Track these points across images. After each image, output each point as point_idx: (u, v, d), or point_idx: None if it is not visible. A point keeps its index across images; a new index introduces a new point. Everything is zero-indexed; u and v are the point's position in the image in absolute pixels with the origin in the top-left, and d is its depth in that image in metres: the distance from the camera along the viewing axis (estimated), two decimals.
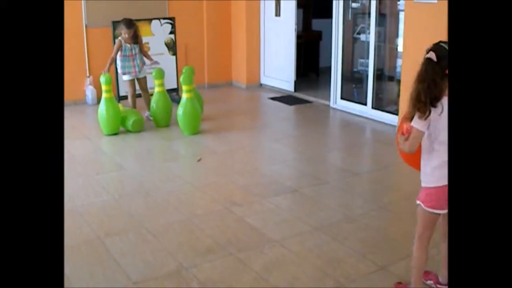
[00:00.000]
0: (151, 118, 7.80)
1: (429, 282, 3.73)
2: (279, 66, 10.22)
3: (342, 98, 8.88)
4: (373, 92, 8.29)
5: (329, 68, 9.07)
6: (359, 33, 8.87)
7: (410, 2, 7.13)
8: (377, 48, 8.27)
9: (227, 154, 6.68)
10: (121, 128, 7.40)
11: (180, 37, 9.40)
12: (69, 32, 8.41)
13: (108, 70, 7.44)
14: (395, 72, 8.37)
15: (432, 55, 3.15)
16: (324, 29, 10.87)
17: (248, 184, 5.61)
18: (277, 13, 10.10)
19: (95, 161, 6.38)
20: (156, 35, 8.93)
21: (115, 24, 8.32)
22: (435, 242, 3.67)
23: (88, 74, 9.00)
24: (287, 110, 8.99)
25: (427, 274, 3.73)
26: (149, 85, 8.17)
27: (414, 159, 3.51)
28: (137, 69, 7.73)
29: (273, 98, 9.65)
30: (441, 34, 6.63)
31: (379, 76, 8.44)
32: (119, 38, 7.67)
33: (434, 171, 3.27)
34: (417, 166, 3.55)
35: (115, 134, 7.28)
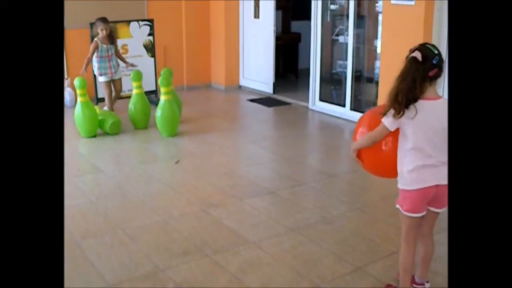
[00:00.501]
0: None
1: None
2: (258, 68, 10.23)
3: (320, 99, 8.90)
4: (351, 93, 8.32)
5: (308, 70, 9.09)
6: (337, 35, 8.89)
7: (388, 4, 7.17)
8: (356, 50, 8.31)
9: (204, 156, 6.68)
10: (99, 131, 7.36)
11: (159, 39, 9.37)
12: None
13: (85, 70, 7.42)
14: (373, 74, 8.40)
15: (418, 55, 3.16)
16: (303, 31, 10.88)
17: (225, 186, 5.60)
18: (256, 15, 10.10)
19: (72, 164, 6.34)
20: (134, 37, 8.88)
21: (92, 25, 8.28)
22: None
23: (66, 76, 8.94)
24: (266, 112, 8.99)
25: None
26: (127, 87, 8.14)
27: (371, 163, 3.55)
28: (113, 70, 7.71)
29: (252, 100, 9.66)
30: (419, 35, 6.69)
31: (358, 77, 8.47)
32: (96, 38, 7.64)
33: (409, 174, 3.27)
34: (374, 171, 3.59)
35: (93, 136, 7.24)
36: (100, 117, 7.34)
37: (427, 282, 3.66)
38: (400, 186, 3.36)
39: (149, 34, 9.03)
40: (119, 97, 7.99)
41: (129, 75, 7.72)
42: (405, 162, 3.29)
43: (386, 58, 7.25)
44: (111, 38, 7.72)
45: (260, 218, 4.87)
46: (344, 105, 8.43)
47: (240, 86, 10.62)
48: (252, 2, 10.09)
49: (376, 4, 8.07)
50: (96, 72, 7.79)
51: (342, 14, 8.72)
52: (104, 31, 7.56)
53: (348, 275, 3.95)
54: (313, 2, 8.79)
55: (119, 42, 8.53)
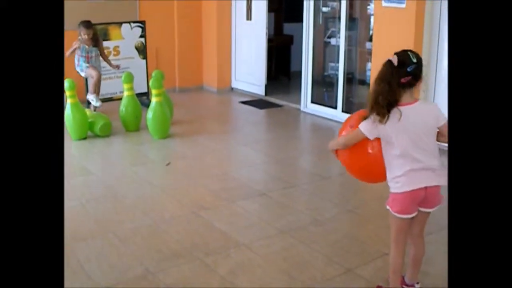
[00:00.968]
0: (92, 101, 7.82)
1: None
2: (250, 70, 10.22)
3: (312, 102, 8.91)
4: (343, 95, 8.33)
5: (301, 72, 9.09)
6: (329, 37, 8.90)
7: (379, 6, 7.19)
8: (348, 52, 8.32)
9: (196, 158, 6.66)
10: (89, 133, 7.33)
11: (151, 41, 9.34)
12: None
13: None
14: (365, 76, 8.41)
15: (394, 59, 3.18)
16: (295, 33, 10.90)
17: (216, 188, 5.59)
18: (249, 17, 10.11)
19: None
20: (126, 39, 8.86)
21: None
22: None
23: None
24: (258, 114, 8.99)
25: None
26: (118, 89, 8.11)
27: (357, 169, 3.57)
28: (87, 71, 7.74)
29: (244, 102, 9.65)
30: (410, 37, 6.72)
31: (350, 79, 8.48)
32: (79, 37, 7.62)
33: (399, 178, 3.28)
34: (355, 173, 3.61)
35: (84, 138, 7.21)
36: (90, 119, 7.31)
37: (417, 283, 3.66)
38: (390, 189, 3.37)
39: (141, 36, 9.01)
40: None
41: (121, 77, 7.71)
42: (393, 168, 3.29)
43: (378, 60, 7.18)
44: (95, 40, 7.72)
45: (251, 220, 4.86)
46: (336, 107, 8.43)
47: (232, 88, 10.61)
48: (245, 4, 10.09)
49: (368, 7, 8.08)
50: (76, 67, 7.79)
51: (334, 17, 8.73)
52: (86, 36, 7.56)
53: (339, 277, 3.94)
54: (305, 4, 8.80)
55: (111, 44, 8.53)
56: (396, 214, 3.33)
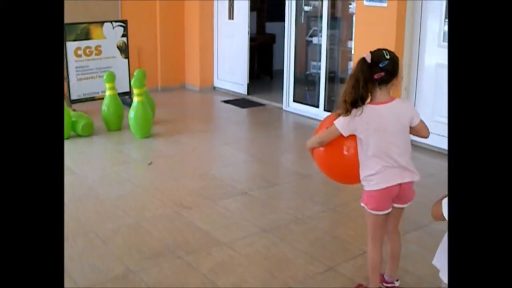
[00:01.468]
0: None
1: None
2: (232, 69, 10.22)
3: (294, 100, 8.93)
4: (325, 94, 8.36)
5: (283, 71, 9.11)
6: (311, 36, 8.93)
7: (361, 5, 7.22)
8: (330, 51, 8.35)
9: (178, 157, 6.66)
10: (72, 133, 7.30)
11: (133, 40, 9.30)
12: None
13: None
14: (347, 75, 8.40)
15: (368, 56, 3.21)
16: (277, 32, 10.92)
17: (198, 187, 5.59)
18: (231, 16, 10.11)
19: None
20: (108, 38, 8.81)
21: (65, 26, 8.21)
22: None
23: None
24: (240, 113, 8.99)
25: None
26: (100, 88, 8.09)
27: (327, 166, 3.60)
28: None
29: (226, 101, 9.65)
30: (391, 36, 6.76)
31: (332, 78, 8.51)
32: None
33: (373, 177, 3.31)
34: (330, 174, 3.64)
35: (66, 138, 7.18)
36: (72, 119, 7.29)
37: (397, 280, 3.69)
38: (364, 187, 3.39)
39: (123, 35, 8.96)
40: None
41: (103, 76, 7.68)
42: (367, 167, 3.31)
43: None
44: None
45: (232, 219, 4.87)
46: (318, 106, 8.46)
47: (214, 87, 10.61)
48: (227, 3, 10.09)
49: (350, 6, 8.12)
50: None
51: (316, 16, 8.75)
52: None
53: (320, 274, 3.97)
54: (287, 3, 8.81)
55: (93, 43, 8.48)
56: (371, 211, 3.36)
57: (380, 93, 3.25)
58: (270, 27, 11.71)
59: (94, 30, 8.53)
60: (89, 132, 7.31)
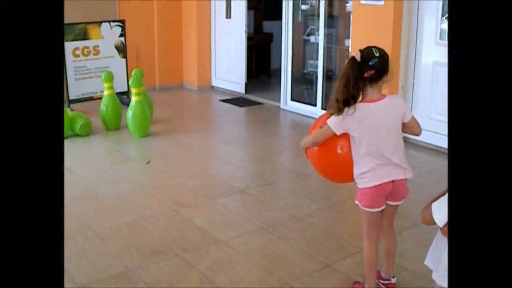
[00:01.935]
0: None
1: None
2: (230, 68, 10.25)
3: (292, 99, 8.96)
4: (322, 93, 8.38)
5: (280, 69, 9.13)
6: (309, 35, 8.95)
7: (358, 4, 7.24)
8: (327, 50, 8.37)
9: (176, 156, 6.69)
10: (70, 132, 7.32)
11: (131, 40, 9.33)
12: None
13: None
14: None
15: (357, 55, 3.23)
16: (275, 31, 10.95)
17: (196, 186, 5.62)
18: (228, 15, 10.13)
19: None
20: (106, 38, 8.84)
21: (64, 27, 8.24)
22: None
23: None
24: (238, 112, 9.02)
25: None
26: (98, 88, 8.11)
27: (320, 163, 3.62)
28: None
29: (224, 100, 9.68)
30: (388, 35, 6.78)
31: (329, 77, 8.52)
32: None
33: (366, 174, 3.33)
34: (321, 171, 3.66)
35: (65, 138, 7.19)
36: (70, 119, 7.30)
37: (393, 277, 3.72)
38: (358, 185, 3.42)
39: (121, 35, 8.99)
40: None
41: (101, 76, 7.70)
42: (360, 165, 3.34)
43: None
44: None
45: (230, 217, 4.90)
46: (315, 105, 8.48)
47: (212, 87, 10.64)
48: (224, 3, 10.11)
49: (347, 4, 8.14)
50: None
51: (313, 14, 8.78)
52: None
53: (317, 272, 3.99)
54: (284, 2, 8.84)
55: (90, 43, 8.51)
56: (365, 208, 3.38)
57: (371, 91, 3.27)
58: (268, 26, 11.73)
59: (92, 30, 8.57)
60: (87, 131, 7.33)
